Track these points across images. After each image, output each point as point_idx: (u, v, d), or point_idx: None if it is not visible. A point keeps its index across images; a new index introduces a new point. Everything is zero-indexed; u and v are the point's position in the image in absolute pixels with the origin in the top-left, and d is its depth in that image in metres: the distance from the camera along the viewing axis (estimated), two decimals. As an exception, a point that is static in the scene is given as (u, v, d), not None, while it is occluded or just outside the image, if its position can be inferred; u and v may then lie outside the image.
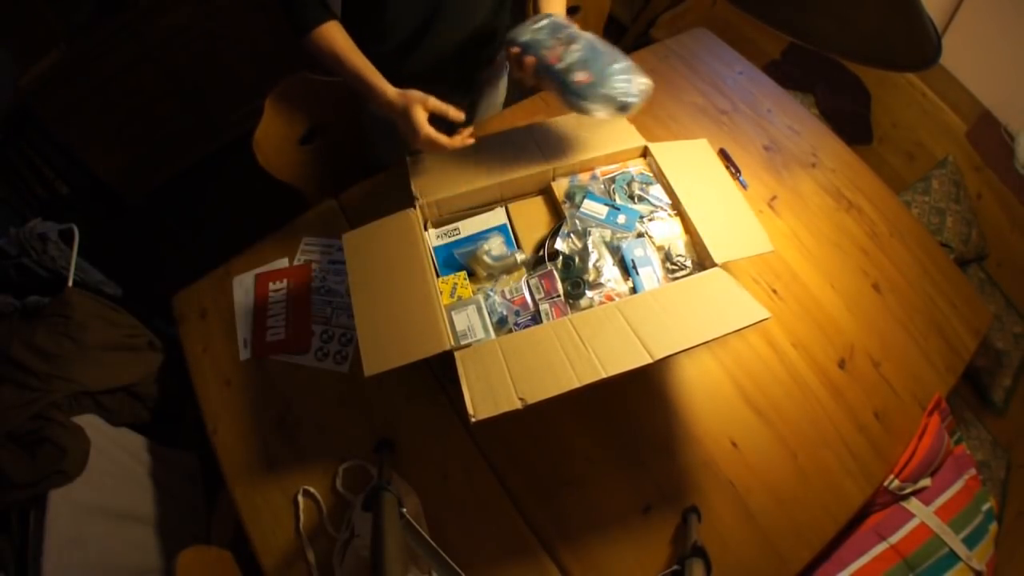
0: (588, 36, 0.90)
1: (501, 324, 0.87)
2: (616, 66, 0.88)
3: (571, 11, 1.55)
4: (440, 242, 0.98)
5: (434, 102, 0.93)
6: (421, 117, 0.92)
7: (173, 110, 2.06)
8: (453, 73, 1.21)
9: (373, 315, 0.85)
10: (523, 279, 0.92)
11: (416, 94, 0.94)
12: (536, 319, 0.88)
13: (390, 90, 0.96)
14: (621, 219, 0.96)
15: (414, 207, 0.95)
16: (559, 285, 0.90)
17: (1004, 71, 1.62)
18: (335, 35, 0.98)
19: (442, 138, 0.92)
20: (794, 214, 1.28)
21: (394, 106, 0.95)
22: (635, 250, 0.93)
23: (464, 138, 0.95)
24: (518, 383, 0.76)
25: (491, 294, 0.90)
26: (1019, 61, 1.56)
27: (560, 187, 1.02)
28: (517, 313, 0.89)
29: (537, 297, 0.90)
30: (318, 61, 1.01)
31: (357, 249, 0.92)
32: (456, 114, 0.95)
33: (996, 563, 1.13)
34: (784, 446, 1.02)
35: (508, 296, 0.90)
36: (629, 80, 0.88)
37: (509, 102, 1.43)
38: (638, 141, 1.05)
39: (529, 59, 0.90)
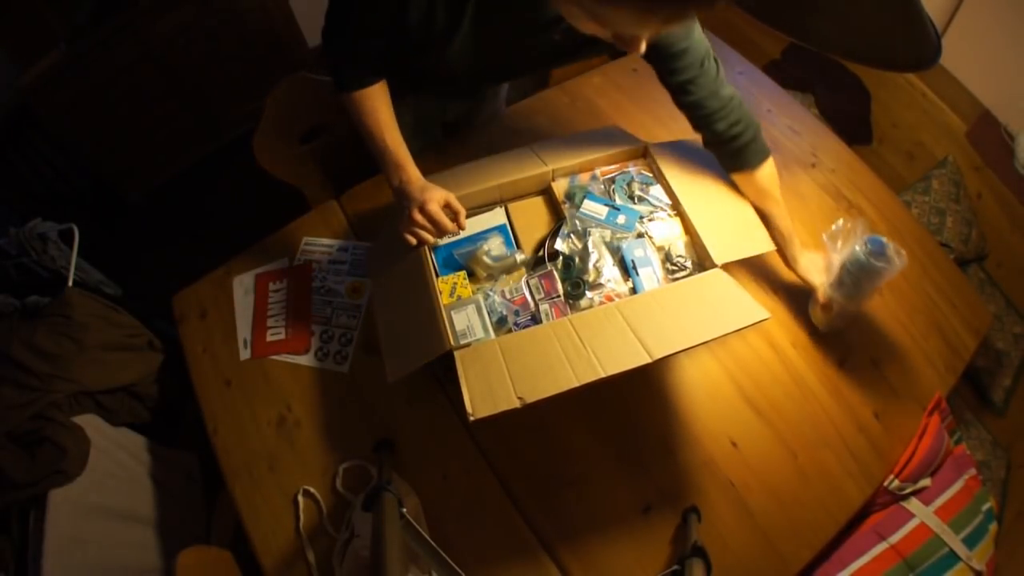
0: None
1: (501, 324, 0.88)
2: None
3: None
4: (440, 242, 0.98)
5: (454, 199, 0.90)
6: (439, 199, 0.88)
7: (173, 110, 2.06)
8: (465, 85, 1.20)
9: (391, 322, 0.86)
10: (523, 279, 0.92)
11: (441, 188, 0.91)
12: (536, 319, 0.88)
13: (418, 177, 0.92)
14: (621, 219, 0.96)
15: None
16: (559, 285, 0.90)
17: (1004, 71, 1.61)
18: (379, 104, 0.92)
19: (448, 222, 0.88)
20: (794, 214, 1.26)
21: (420, 187, 0.90)
22: (635, 250, 0.93)
23: (458, 227, 0.91)
24: (517, 382, 0.76)
25: (491, 294, 0.90)
26: (1019, 61, 1.56)
27: (560, 187, 1.02)
28: (517, 313, 0.89)
29: (537, 297, 0.90)
30: (348, 116, 0.95)
31: (376, 260, 0.93)
32: (463, 221, 0.91)
33: (996, 563, 1.12)
34: (784, 446, 1.02)
35: (508, 296, 0.90)
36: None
37: (508, 102, 1.43)
38: (638, 141, 1.05)
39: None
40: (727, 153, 0.98)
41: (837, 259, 1.01)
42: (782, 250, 1.05)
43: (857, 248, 0.96)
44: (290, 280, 1.17)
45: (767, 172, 0.99)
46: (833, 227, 1.05)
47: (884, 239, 0.96)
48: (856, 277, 0.97)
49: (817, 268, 1.06)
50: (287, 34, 2.15)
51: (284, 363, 1.09)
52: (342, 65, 0.91)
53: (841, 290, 1.01)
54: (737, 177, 1.01)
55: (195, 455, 1.43)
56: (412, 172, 0.92)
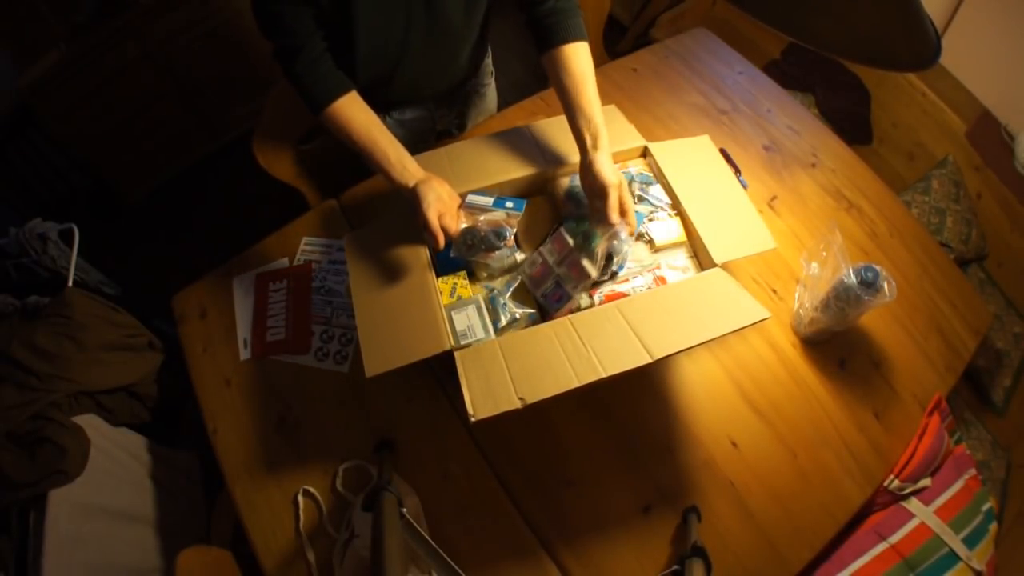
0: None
1: (512, 324, 0.87)
2: None
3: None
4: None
5: (449, 206, 0.88)
6: (435, 209, 0.86)
7: (173, 110, 2.06)
8: (434, 90, 1.20)
9: (374, 315, 0.85)
10: (537, 249, 0.91)
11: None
12: (561, 289, 0.87)
13: (412, 175, 0.90)
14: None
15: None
16: (569, 240, 0.88)
17: (1004, 71, 1.62)
18: (354, 110, 0.92)
19: (440, 238, 0.86)
20: (794, 214, 1.28)
21: (421, 193, 0.88)
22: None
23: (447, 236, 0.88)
24: (518, 383, 0.76)
25: (499, 297, 0.90)
26: (1019, 61, 1.56)
27: (560, 187, 1.02)
28: (538, 285, 0.88)
29: (552, 261, 0.88)
30: (335, 137, 0.94)
31: (358, 250, 0.92)
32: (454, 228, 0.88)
33: (996, 563, 1.12)
34: (784, 446, 1.02)
35: (528, 270, 0.90)
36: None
37: (504, 104, 1.43)
38: (638, 141, 1.05)
39: None
40: (545, 27, 0.93)
41: (823, 284, 1.02)
42: (583, 144, 0.90)
43: (846, 279, 0.96)
44: (290, 280, 1.17)
45: (583, 54, 0.93)
46: (803, 260, 1.07)
47: (878, 268, 0.96)
48: (843, 303, 0.98)
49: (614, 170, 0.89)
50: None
51: (284, 363, 1.09)
52: (307, 87, 0.91)
53: (827, 312, 1.02)
54: (551, 56, 0.94)
55: (195, 455, 1.43)
56: (409, 172, 0.90)
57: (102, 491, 1.11)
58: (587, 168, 0.89)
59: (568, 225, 0.91)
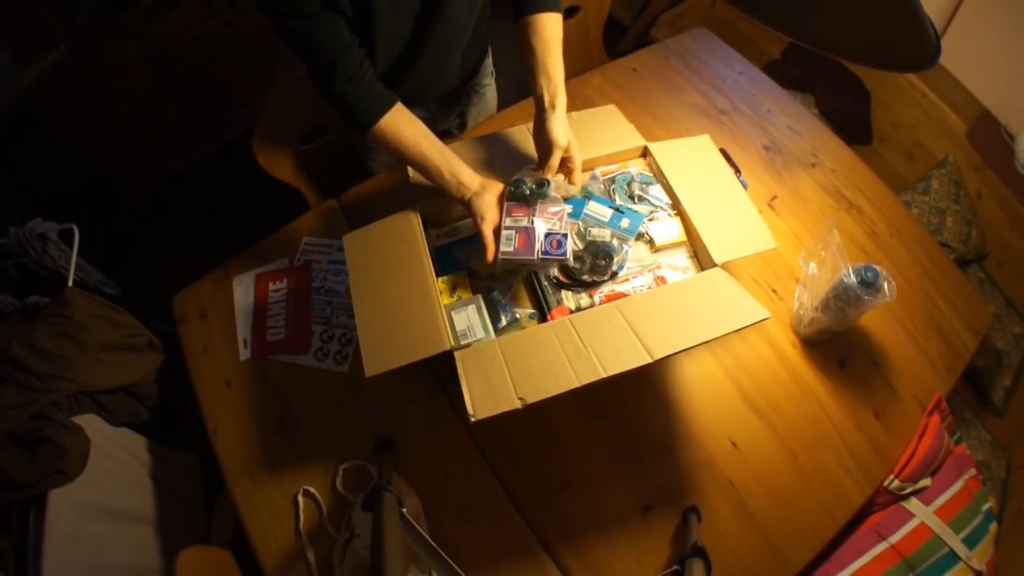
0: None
1: (513, 323, 0.87)
2: None
3: (570, 11, 1.55)
4: (440, 242, 0.98)
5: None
6: (491, 220, 0.90)
7: (173, 110, 2.06)
8: (437, 92, 1.20)
9: (374, 316, 0.85)
10: (503, 228, 0.90)
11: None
12: (556, 236, 0.87)
13: (467, 183, 0.91)
14: (625, 223, 0.95)
15: (414, 207, 0.95)
16: (524, 201, 0.90)
17: (1004, 71, 1.61)
18: (401, 125, 0.91)
19: (490, 253, 0.88)
20: (794, 214, 1.28)
21: (479, 192, 0.90)
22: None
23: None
24: (518, 383, 0.76)
25: (499, 297, 0.89)
26: (1019, 61, 1.56)
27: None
28: (531, 247, 0.88)
29: (525, 223, 0.89)
30: (380, 148, 0.94)
31: (357, 250, 0.92)
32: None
33: (996, 563, 1.12)
34: (784, 446, 1.02)
35: (510, 247, 0.89)
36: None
37: (504, 104, 1.43)
38: (638, 141, 1.05)
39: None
40: None
41: (823, 284, 1.02)
42: (541, 102, 0.93)
43: (846, 279, 0.96)
44: (290, 280, 1.17)
45: (555, 23, 0.95)
46: (802, 260, 1.07)
47: (878, 268, 0.96)
48: (843, 303, 0.98)
49: (566, 131, 0.93)
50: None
51: (284, 363, 1.09)
52: (348, 107, 0.90)
53: (827, 312, 1.02)
54: (525, 22, 0.94)
55: (195, 455, 1.43)
56: (464, 185, 0.91)
57: (102, 491, 1.11)
58: (541, 125, 0.92)
59: (508, 194, 0.92)
